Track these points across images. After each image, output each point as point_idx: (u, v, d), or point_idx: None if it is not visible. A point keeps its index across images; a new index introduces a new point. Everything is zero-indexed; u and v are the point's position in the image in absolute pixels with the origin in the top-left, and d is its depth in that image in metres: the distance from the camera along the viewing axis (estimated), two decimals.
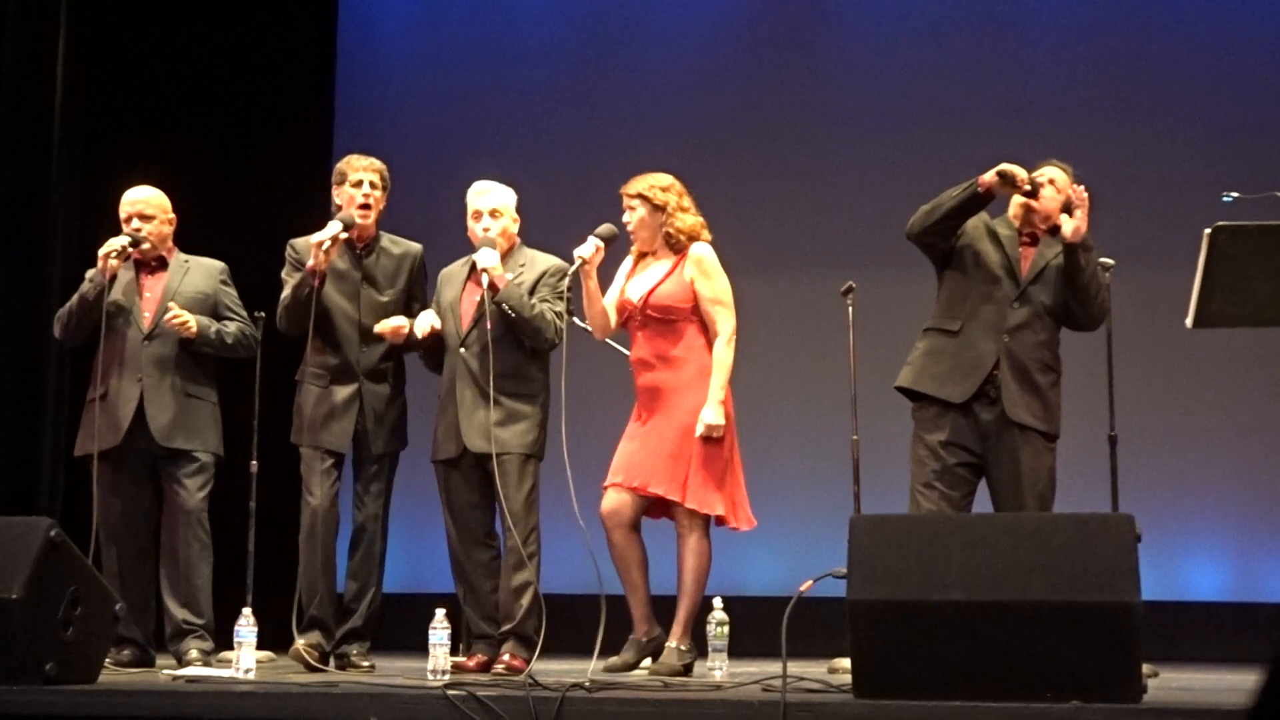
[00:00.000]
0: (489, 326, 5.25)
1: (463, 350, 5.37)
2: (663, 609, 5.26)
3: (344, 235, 5.45)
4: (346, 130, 8.67)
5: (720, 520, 5.23)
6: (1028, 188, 5.10)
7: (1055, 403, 5.13)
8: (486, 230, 5.42)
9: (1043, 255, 5.17)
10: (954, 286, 5.19)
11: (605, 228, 5.28)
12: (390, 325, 5.47)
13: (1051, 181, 5.19)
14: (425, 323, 5.45)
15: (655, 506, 5.28)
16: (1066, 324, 5.22)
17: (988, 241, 5.18)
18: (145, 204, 5.74)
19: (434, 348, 5.51)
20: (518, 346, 5.34)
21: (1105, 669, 3.65)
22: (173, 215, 5.79)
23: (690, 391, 5.20)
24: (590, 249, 5.20)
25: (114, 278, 5.58)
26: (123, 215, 5.72)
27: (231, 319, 5.80)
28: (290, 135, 8.58)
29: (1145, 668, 3.85)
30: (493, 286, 5.28)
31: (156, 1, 8.20)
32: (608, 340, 5.51)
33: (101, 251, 5.57)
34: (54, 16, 7.49)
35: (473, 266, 5.45)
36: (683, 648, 5.15)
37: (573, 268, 5.21)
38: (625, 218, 5.36)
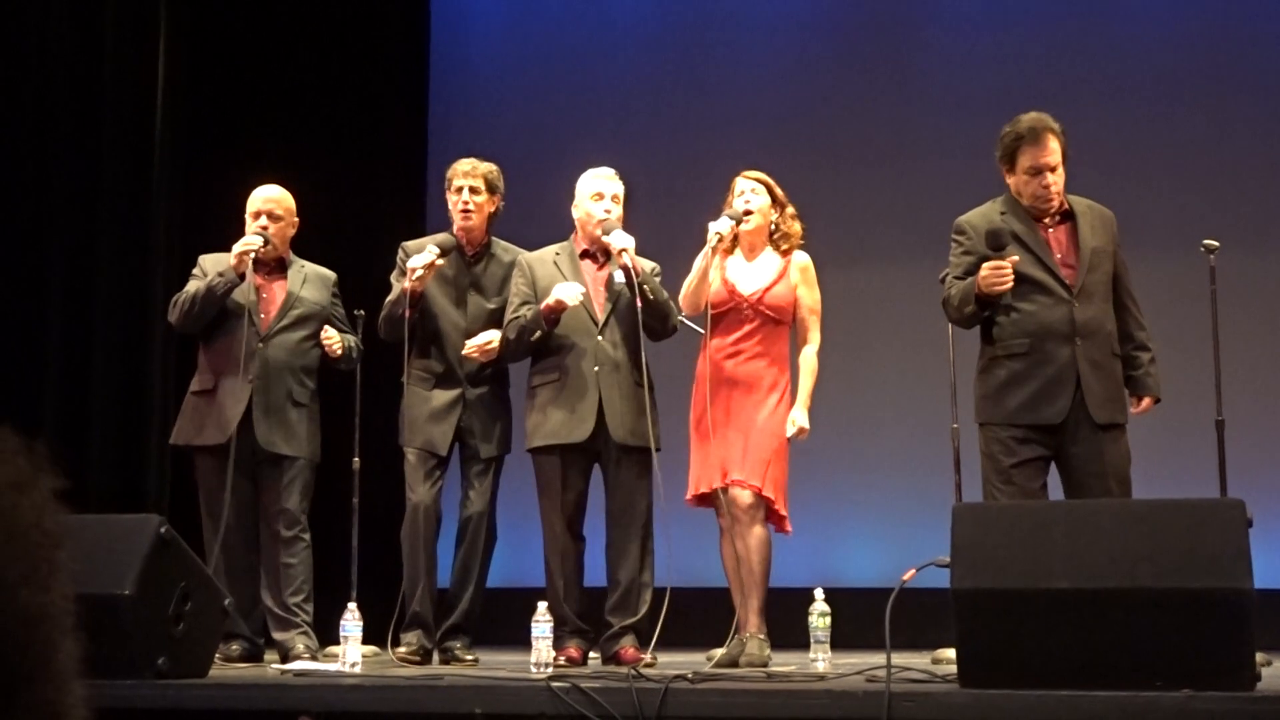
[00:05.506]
0: (639, 307, 5.22)
1: (601, 337, 5.34)
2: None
3: (440, 261, 5.44)
4: (440, 129, 8.72)
5: (774, 518, 5.22)
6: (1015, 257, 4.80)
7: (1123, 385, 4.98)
8: (609, 212, 5.39)
9: (1085, 244, 4.89)
10: (1004, 309, 4.90)
11: (734, 210, 5.27)
12: (477, 344, 5.42)
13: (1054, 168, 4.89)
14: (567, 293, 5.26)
15: (706, 497, 5.29)
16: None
17: (1017, 251, 4.85)
18: (277, 204, 5.67)
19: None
20: (639, 336, 5.34)
21: (1217, 657, 3.59)
22: (297, 219, 5.75)
23: (776, 389, 5.27)
24: (727, 226, 5.22)
25: (243, 275, 5.48)
26: (251, 210, 5.64)
27: (345, 333, 5.79)
28: (385, 135, 8.65)
29: (1259, 656, 3.78)
30: (635, 268, 5.24)
31: (253, 6, 8.31)
32: (682, 318, 5.48)
33: (238, 248, 5.50)
34: (154, 22, 7.61)
35: (584, 252, 5.45)
36: (761, 637, 5.14)
37: (710, 244, 5.18)
38: (746, 200, 5.31)
